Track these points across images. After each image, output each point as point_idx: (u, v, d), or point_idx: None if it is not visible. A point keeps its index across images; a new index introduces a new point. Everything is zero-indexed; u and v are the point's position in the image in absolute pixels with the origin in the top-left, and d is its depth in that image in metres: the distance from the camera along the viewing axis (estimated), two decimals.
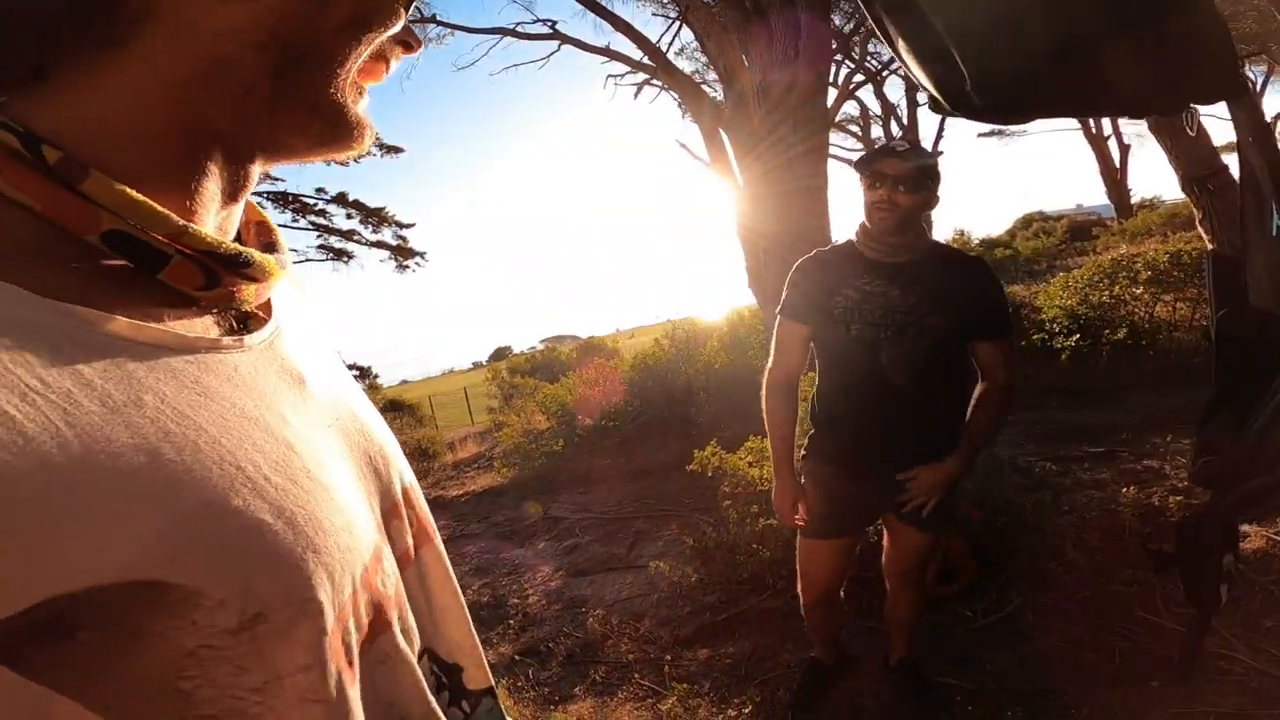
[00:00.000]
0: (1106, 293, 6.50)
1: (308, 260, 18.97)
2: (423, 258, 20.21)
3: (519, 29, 7.58)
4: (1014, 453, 4.35)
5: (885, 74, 17.46)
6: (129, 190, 0.37)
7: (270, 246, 0.50)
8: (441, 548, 0.58)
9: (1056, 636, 2.49)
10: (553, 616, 3.77)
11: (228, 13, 0.38)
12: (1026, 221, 24.69)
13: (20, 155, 0.35)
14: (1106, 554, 2.84)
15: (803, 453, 2.12)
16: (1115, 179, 21.29)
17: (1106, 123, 21.16)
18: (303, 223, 18.69)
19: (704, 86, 8.43)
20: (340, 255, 19.20)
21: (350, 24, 0.41)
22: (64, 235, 0.36)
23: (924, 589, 2.23)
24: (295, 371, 0.46)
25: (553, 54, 8.47)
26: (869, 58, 16.46)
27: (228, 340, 0.42)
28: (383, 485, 0.51)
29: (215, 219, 0.44)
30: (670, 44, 9.45)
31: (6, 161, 0.35)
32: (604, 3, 6.95)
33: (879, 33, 1.06)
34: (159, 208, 0.38)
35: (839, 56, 14.00)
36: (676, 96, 8.66)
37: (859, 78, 16.47)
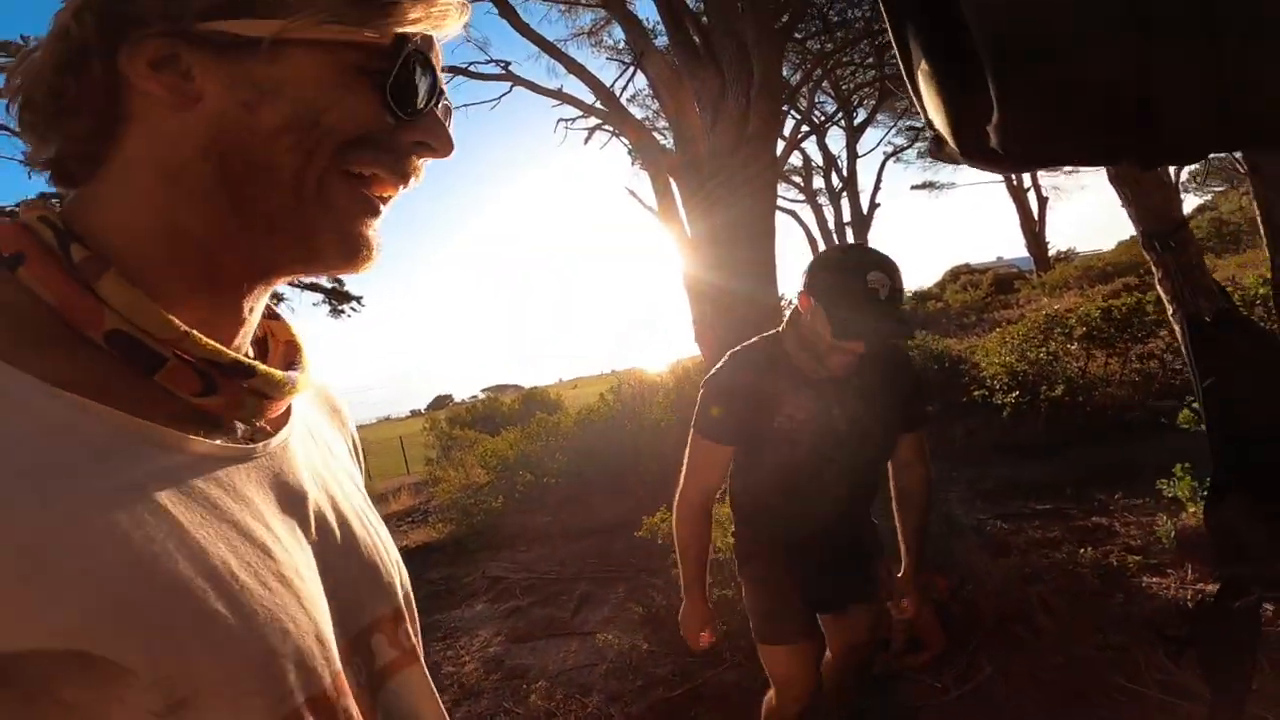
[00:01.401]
0: (1042, 349, 6.68)
1: None
2: (359, 302, 19.60)
3: (471, 68, 7.50)
4: (966, 511, 4.30)
5: (828, 125, 18.12)
6: (136, 292, 0.40)
7: (293, 367, 0.52)
8: (425, 670, 0.57)
9: (1034, 707, 2.36)
10: (491, 688, 3.47)
11: (178, 120, 0.41)
12: (955, 274, 25.77)
13: (52, 251, 0.39)
14: (1075, 618, 2.75)
15: (740, 556, 1.96)
16: (1035, 231, 22.17)
17: (1025, 175, 22.21)
18: None
19: (655, 134, 8.50)
20: (271, 298, 18.47)
21: (286, 130, 0.41)
22: (77, 333, 0.39)
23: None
24: (295, 484, 0.48)
25: (504, 95, 8.43)
26: (815, 109, 17.07)
27: (223, 443, 0.43)
28: (368, 606, 0.52)
29: (230, 329, 0.46)
30: (623, 90, 9.53)
31: (38, 255, 0.39)
32: (559, 46, 6.96)
33: (897, 52, 0.90)
34: (161, 312, 0.40)
35: (785, 107, 14.47)
36: (627, 143, 8.68)
37: (804, 129, 17.03)
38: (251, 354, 0.51)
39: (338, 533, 0.51)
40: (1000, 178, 22.20)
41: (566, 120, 8.76)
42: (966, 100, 1.03)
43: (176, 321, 0.40)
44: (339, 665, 0.44)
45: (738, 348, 1.84)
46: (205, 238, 0.43)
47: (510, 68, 7.60)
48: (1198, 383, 1.87)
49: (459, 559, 5.98)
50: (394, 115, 0.44)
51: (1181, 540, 3.14)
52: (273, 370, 0.47)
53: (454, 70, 7.55)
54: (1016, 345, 6.90)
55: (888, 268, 1.61)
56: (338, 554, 0.50)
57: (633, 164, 11.32)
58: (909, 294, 19.71)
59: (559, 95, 7.28)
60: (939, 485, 4.85)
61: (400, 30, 0.44)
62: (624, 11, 6.59)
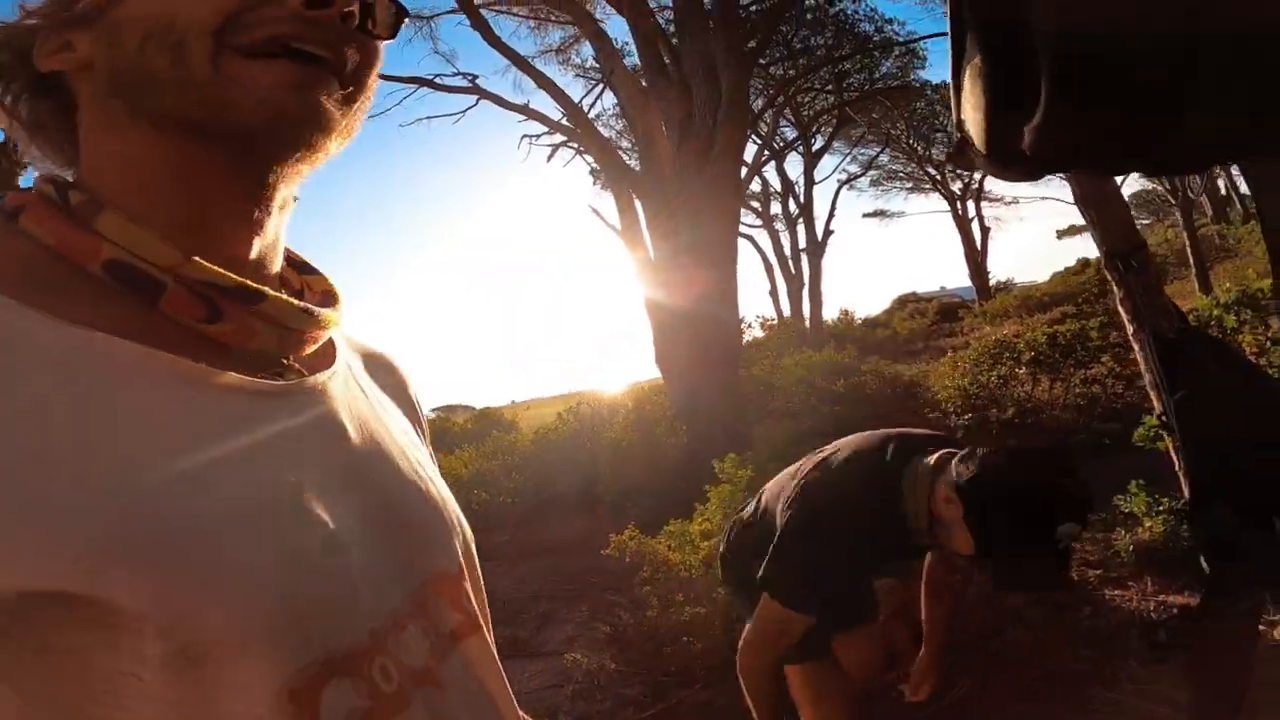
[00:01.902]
0: (993, 373, 6.88)
1: None
2: None
3: (437, 80, 7.43)
4: None
5: (788, 150, 18.55)
6: (131, 224, 0.42)
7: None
8: (490, 641, 0.54)
9: (1016, 719, 2.37)
10: None
11: (85, 82, 0.46)
12: (902, 302, 26.44)
13: (52, 200, 0.43)
14: (1046, 631, 2.78)
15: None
16: (978, 261, 22.85)
17: (970, 204, 22.99)
18: None
19: (620, 153, 8.52)
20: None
21: (147, 41, 0.43)
22: (80, 270, 0.41)
23: None
24: (333, 425, 0.47)
25: (469, 109, 8.38)
26: (775, 135, 17.45)
27: (245, 377, 0.43)
28: (423, 560, 0.49)
29: (237, 251, 0.46)
30: (590, 109, 9.61)
31: (40, 205, 0.43)
32: (528, 61, 6.95)
33: (951, 46, 0.88)
34: (157, 240, 0.42)
35: (748, 131, 14.80)
36: (592, 161, 8.70)
37: (765, 154, 17.37)
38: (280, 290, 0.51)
39: (384, 479, 0.49)
40: (947, 207, 22.97)
41: (531, 137, 8.77)
42: (1012, 100, 1.02)
43: (174, 249, 0.41)
44: (378, 621, 0.42)
45: (830, 488, 1.57)
46: (162, 166, 0.45)
47: (477, 81, 7.56)
48: (1168, 396, 1.91)
49: None
50: None
51: (1139, 554, 3.23)
52: (286, 297, 0.46)
53: (419, 81, 7.50)
54: (969, 370, 7.09)
55: (1082, 513, 1.25)
56: (384, 502, 0.48)
57: (594, 184, 11.35)
58: (859, 322, 20.09)
59: (525, 110, 7.27)
60: None
61: None
62: (594, 29, 6.63)
